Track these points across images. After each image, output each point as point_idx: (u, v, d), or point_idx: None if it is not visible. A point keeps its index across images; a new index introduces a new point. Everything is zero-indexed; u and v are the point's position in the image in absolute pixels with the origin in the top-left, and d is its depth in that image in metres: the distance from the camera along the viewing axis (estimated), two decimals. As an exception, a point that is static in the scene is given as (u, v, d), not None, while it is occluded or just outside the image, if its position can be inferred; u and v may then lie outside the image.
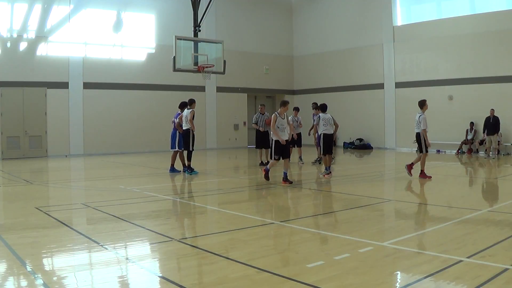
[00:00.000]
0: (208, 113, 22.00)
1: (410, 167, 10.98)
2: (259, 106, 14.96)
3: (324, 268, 4.42)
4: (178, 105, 12.86)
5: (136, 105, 20.05)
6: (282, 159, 10.39)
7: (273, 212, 7.71)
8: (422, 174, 10.70)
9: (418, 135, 10.96)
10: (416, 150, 19.97)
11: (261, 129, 14.27)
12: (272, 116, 10.49)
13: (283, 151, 10.32)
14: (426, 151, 10.81)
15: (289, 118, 14.08)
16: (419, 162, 10.85)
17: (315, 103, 13.81)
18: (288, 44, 25.25)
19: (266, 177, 10.50)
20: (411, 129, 10.69)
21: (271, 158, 10.70)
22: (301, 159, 14.58)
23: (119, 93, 19.71)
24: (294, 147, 14.19)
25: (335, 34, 23.04)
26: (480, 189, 10.50)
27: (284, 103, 10.53)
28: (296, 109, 14.85)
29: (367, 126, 21.55)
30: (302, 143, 14.78)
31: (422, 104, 10.96)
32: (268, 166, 10.67)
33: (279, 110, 10.55)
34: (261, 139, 14.32)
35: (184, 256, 4.98)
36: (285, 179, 10.16)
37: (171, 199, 8.94)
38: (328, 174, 11.45)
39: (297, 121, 14.39)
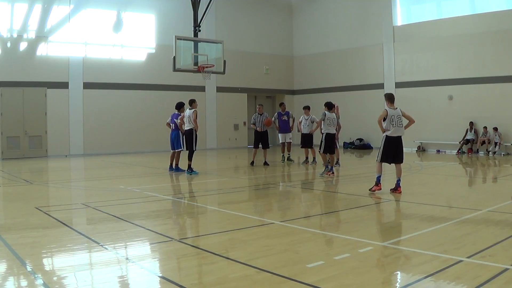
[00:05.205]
0: (208, 113, 21.99)
1: None
2: (257, 106, 14.94)
3: (324, 268, 4.42)
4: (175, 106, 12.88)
5: (136, 105, 20.05)
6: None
7: (273, 212, 7.70)
8: None
9: None
10: (417, 151, 20.03)
11: (258, 129, 14.25)
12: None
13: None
14: None
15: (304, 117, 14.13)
16: None
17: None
18: (288, 44, 25.25)
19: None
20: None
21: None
22: (314, 159, 14.50)
23: (119, 93, 19.71)
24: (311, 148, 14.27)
25: (335, 34, 23.04)
26: (480, 189, 10.50)
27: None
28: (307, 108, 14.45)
29: (367, 126, 21.50)
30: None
31: None
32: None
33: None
34: (260, 139, 14.30)
35: (184, 256, 4.97)
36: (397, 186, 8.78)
37: (171, 199, 8.94)
38: (329, 171, 11.53)
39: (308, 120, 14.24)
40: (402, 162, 8.87)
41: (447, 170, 13.96)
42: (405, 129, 8.85)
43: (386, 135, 8.75)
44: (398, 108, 8.89)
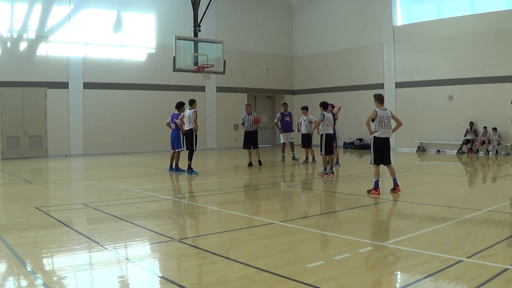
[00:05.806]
0: (208, 113, 21.99)
1: None
2: (245, 106, 14.97)
3: (324, 268, 4.42)
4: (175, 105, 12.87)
5: (136, 105, 20.05)
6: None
7: (273, 212, 7.70)
8: None
9: None
10: (417, 150, 20.03)
11: (245, 129, 14.25)
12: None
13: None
14: None
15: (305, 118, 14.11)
16: None
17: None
18: (288, 44, 25.25)
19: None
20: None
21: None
22: (314, 159, 14.48)
23: (119, 93, 19.71)
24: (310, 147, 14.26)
25: (335, 34, 23.05)
26: (480, 189, 10.50)
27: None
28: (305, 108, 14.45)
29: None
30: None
31: None
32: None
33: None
34: (249, 139, 14.26)
35: (184, 256, 4.98)
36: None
37: (171, 199, 8.94)
38: (326, 174, 11.48)
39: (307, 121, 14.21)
40: (390, 163, 8.92)
41: (447, 170, 13.96)
42: (392, 132, 8.90)
43: (374, 136, 8.79)
44: (388, 109, 8.94)
